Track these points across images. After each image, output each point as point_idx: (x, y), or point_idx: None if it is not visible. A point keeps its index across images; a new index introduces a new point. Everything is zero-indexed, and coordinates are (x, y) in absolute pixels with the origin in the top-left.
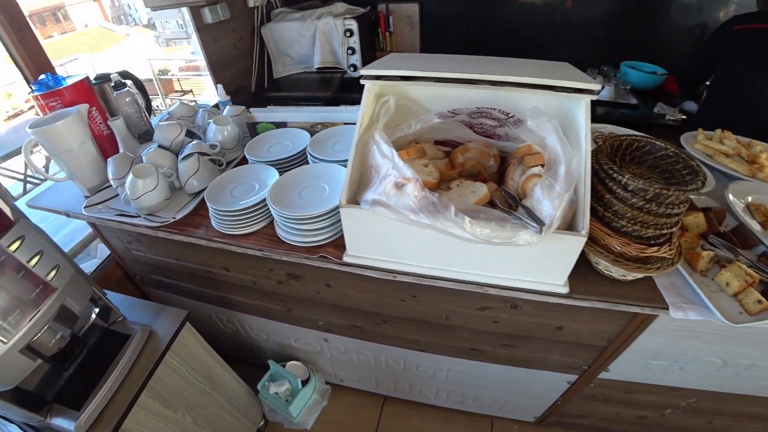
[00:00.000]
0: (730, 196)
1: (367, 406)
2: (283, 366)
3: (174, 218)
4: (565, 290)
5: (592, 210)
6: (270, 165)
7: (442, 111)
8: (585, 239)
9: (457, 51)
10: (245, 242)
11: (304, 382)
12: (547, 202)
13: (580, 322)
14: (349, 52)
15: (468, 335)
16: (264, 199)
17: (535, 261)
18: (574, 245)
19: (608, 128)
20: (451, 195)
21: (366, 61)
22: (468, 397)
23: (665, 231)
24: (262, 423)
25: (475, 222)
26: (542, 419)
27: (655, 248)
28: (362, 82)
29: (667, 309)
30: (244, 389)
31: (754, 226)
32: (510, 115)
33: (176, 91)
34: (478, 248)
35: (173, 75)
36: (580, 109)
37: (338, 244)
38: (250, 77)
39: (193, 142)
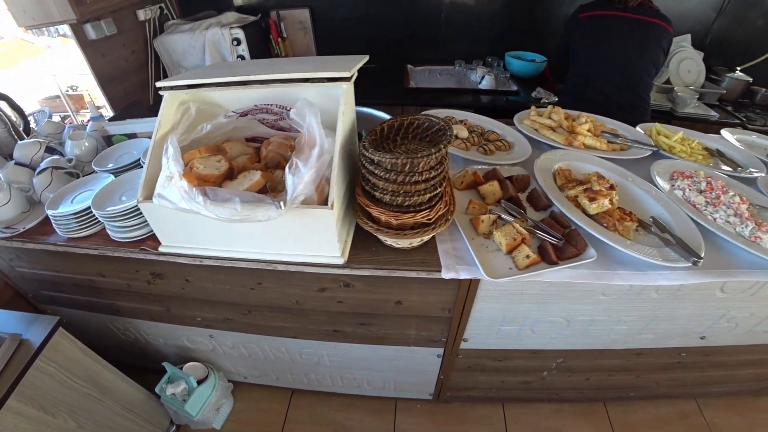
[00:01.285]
0: (536, 163)
1: (275, 401)
2: (181, 368)
3: (24, 228)
4: (341, 261)
5: (365, 188)
6: (111, 173)
7: (228, 112)
8: (331, 211)
9: (353, 51)
10: (84, 243)
11: (201, 381)
12: (291, 182)
13: (414, 294)
14: (240, 59)
15: (324, 317)
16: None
17: (306, 236)
18: (326, 218)
19: (473, 116)
20: (233, 184)
21: None
22: (362, 380)
23: (419, 197)
24: (173, 428)
25: (215, 204)
26: (437, 395)
27: (410, 215)
28: (160, 93)
29: (440, 271)
30: (142, 394)
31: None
32: (287, 107)
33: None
34: (255, 229)
35: (85, 90)
36: (340, 95)
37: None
38: (148, 90)
39: (51, 158)
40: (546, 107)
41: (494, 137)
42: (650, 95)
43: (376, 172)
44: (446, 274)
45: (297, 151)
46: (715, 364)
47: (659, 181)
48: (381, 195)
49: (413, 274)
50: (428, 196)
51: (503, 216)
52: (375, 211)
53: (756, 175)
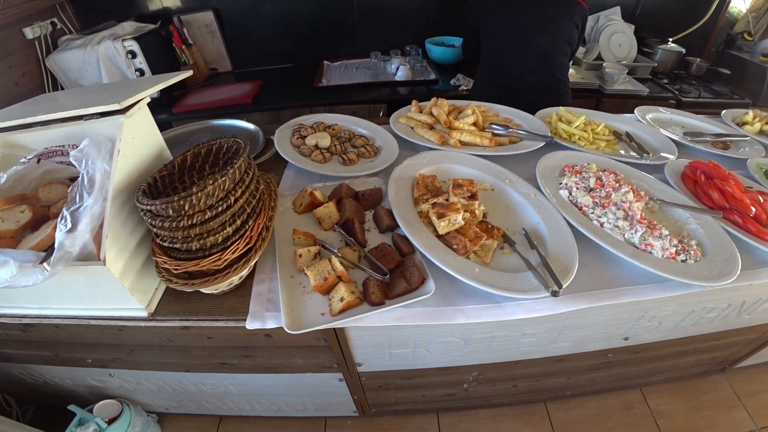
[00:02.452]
0: (395, 171)
1: (204, 428)
2: (92, 408)
3: None
4: (144, 314)
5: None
6: None
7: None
8: (105, 267)
9: (267, 51)
10: None
11: (115, 419)
12: (58, 238)
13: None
14: (138, 73)
15: (203, 352)
16: None
17: (99, 291)
18: (105, 274)
19: (346, 118)
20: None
21: None
22: (280, 405)
23: (199, 241)
24: None
25: None
26: (362, 412)
27: (194, 262)
28: None
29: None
30: None
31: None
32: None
33: None
34: (54, 285)
35: None
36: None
37: None
38: None
39: None
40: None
41: (361, 142)
42: (568, 75)
43: (149, 220)
44: (251, 324)
45: (69, 201)
46: (649, 359)
47: (542, 180)
48: (161, 242)
49: (221, 324)
50: (222, 236)
51: (327, 247)
52: (159, 260)
53: (664, 160)
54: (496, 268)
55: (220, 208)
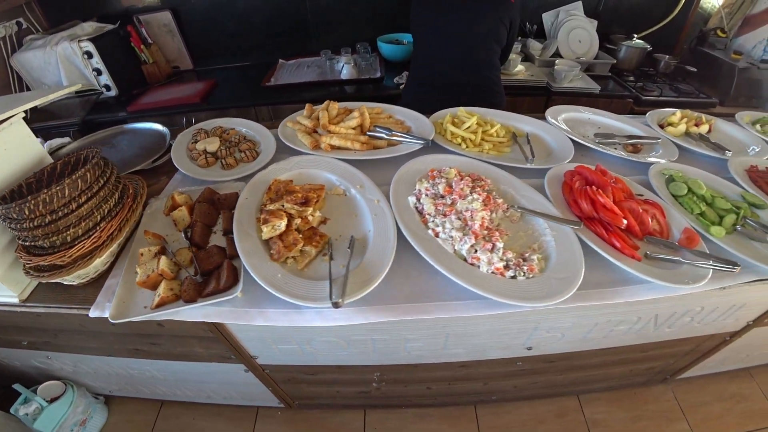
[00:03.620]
0: (257, 176)
1: (146, 412)
2: (36, 388)
3: None
4: (16, 300)
5: None
6: None
7: None
8: None
9: (225, 50)
10: None
11: (56, 399)
12: None
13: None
14: (96, 73)
15: (114, 338)
16: None
17: None
18: None
19: (245, 123)
20: None
21: (120, 78)
22: (205, 392)
23: (46, 239)
24: None
25: None
26: (289, 404)
27: (43, 257)
28: None
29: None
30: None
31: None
32: None
33: None
34: None
35: None
36: None
37: None
38: None
39: None
40: None
41: (245, 147)
42: (498, 74)
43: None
44: (93, 313)
45: None
46: (571, 368)
47: (396, 186)
48: (19, 240)
49: (74, 311)
50: (71, 236)
51: (165, 247)
52: (18, 254)
53: (551, 165)
54: (306, 276)
55: (61, 213)
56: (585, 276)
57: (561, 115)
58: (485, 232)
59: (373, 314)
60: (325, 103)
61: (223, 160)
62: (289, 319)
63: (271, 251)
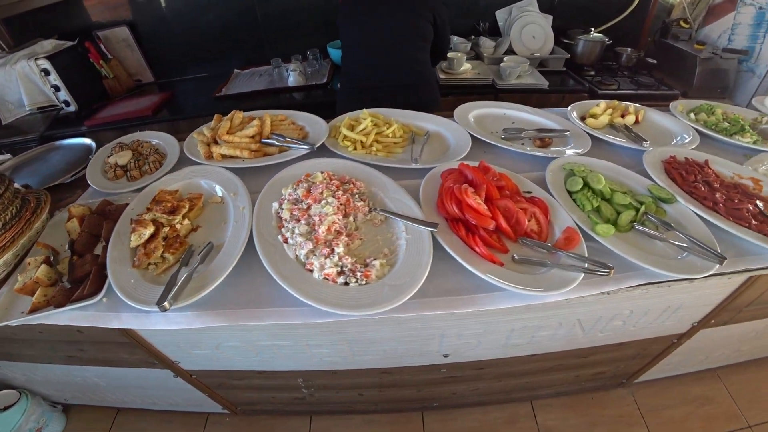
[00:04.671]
0: (151, 186)
1: (101, 420)
2: None
3: None
4: None
5: None
6: None
7: None
8: None
9: (185, 62)
10: None
11: (8, 407)
12: None
13: None
14: (54, 89)
15: (45, 345)
16: None
17: None
18: None
19: (158, 135)
20: None
21: (80, 94)
22: (154, 398)
23: None
24: None
25: None
26: (232, 410)
27: None
28: None
29: None
30: None
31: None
32: None
33: None
34: None
35: None
36: None
37: None
38: None
39: None
40: None
41: (154, 159)
42: (429, 71)
43: None
44: None
45: None
46: (505, 374)
47: (265, 191)
48: None
49: None
50: None
51: (50, 256)
52: None
53: (437, 164)
54: (160, 282)
55: None
56: (441, 282)
57: (473, 112)
58: (331, 236)
59: (209, 319)
60: (231, 113)
61: (128, 173)
62: (138, 322)
63: (134, 258)
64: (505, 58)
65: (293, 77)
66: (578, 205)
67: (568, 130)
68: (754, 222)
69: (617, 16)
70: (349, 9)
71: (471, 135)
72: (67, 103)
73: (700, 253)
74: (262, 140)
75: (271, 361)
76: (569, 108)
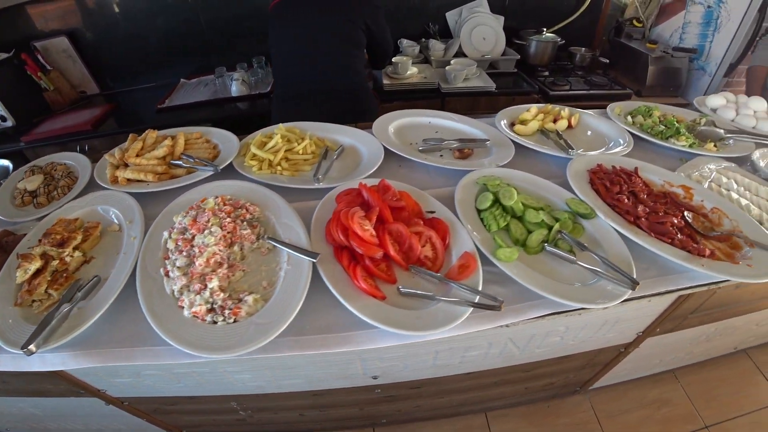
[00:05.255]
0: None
1: None
2: None
3: None
4: None
5: None
6: None
7: None
8: None
9: (130, 72)
10: None
11: None
12: None
13: None
14: None
15: None
16: None
17: None
18: None
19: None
20: None
21: (18, 108)
22: (97, 425)
23: None
24: None
25: None
26: None
27: None
28: None
29: None
30: None
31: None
32: None
33: None
34: None
35: None
36: None
37: None
38: None
39: None
40: None
41: (65, 183)
42: (364, 79)
43: None
44: None
45: None
46: (445, 392)
47: (158, 220)
48: None
49: None
50: None
51: None
52: None
53: (342, 182)
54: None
55: None
56: (319, 317)
57: (396, 122)
58: (209, 269)
59: (83, 359)
60: (145, 132)
61: (35, 200)
62: (15, 364)
63: (18, 294)
64: (452, 61)
65: (236, 87)
66: (485, 225)
67: (488, 140)
68: (679, 236)
69: (570, 16)
70: (278, 16)
71: (386, 148)
72: (3, 119)
73: (612, 277)
74: (171, 162)
75: (196, 387)
76: (498, 114)
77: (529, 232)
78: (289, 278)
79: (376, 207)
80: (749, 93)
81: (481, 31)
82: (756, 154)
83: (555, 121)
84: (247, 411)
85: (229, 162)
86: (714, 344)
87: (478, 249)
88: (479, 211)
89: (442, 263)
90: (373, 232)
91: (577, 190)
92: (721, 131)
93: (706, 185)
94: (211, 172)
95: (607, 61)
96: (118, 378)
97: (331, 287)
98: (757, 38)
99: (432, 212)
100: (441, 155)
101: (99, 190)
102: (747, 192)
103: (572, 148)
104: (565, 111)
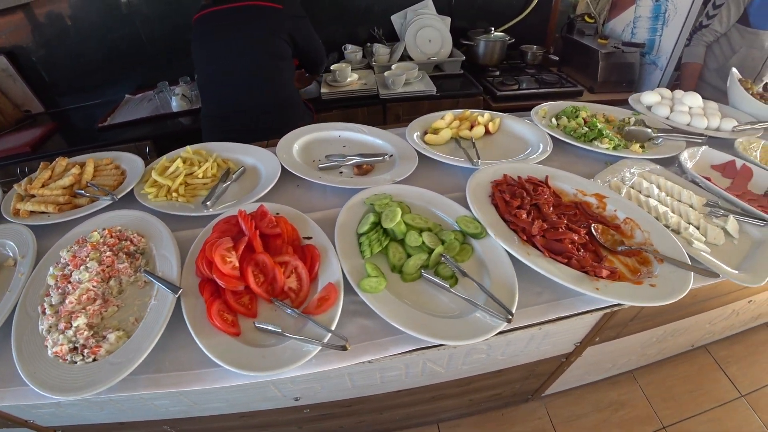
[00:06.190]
0: None
1: None
2: None
3: None
4: None
5: None
6: None
7: None
8: None
9: (77, 89)
10: None
11: None
12: None
13: None
14: None
15: None
16: None
17: None
18: None
19: None
20: None
21: None
22: None
23: None
24: None
25: None
26: None
27: None
28: None
29: None
30: None
31: None
32: None
33: None
34: None
35: None
36: None
37: None
38: None
39: None
40: None
41: None
42: (292, 91)
43: None
44: None
45: None
46: (378, 408)
47: (49, 255)
48: None
49: None
50: None
51: None
52: None
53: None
54: None
55: None
56: (180, 354)
57: (305, 137)
58: (80, 306)
59: None
60: (56, 160)
61: None
62: None
63: None
64: (393, 66)
65: (176, 102)
66: (361, 251)
67: (389, 154)
68: (581, 253)
69: (520, 14)
70: (198, 31)
71: (284, 167)
72: None
73: (489, 307)
74: (77, 191)
75: (119, 414)
76: (411, 124)
77: (410, 256)
78: (152, 314)
79: (245, 236)
80: (684, 88)
81: (427, 33)
82: (684, 155)
83: (472, 127)
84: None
85: (129, 190)
86: (667, 345)
87: (345, 278)
88: (359, 235)
89: (306, 295)
90: (236, 264)
91: (473, 206)
92: (650, 131)
93: (624, 191)
94: (109, 202)
95: (557, 58)
96: (40, 409)
97: (188, 323)
98: (692, 33)
99: (309, 238)
100: (341, 172)
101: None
102: (668, 197)
103: (479, 158)
104: (484, 116)
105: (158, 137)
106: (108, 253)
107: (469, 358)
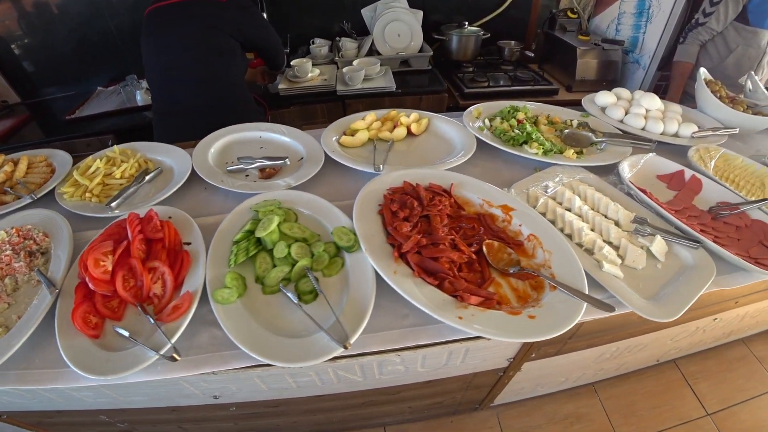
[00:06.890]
0: None
1: None
2: None
3: None
4: None
5: None
6: None
7: None
8: None
9: (50, 80)
10: None
11: None
12: None
13: None
14: None
15: None
16: None
17: None
18: None
19: None
20: None
21: None
22: None
23: None
24: None
25: None
26: None
27: None
28: None
29: None
30: None
31: None
32: None
33: None
34: None
35: None
36: None
37: None
38: None
39: None
40: None
41: None
42: (242, 89)
43: None
44: None
45: None
46: (311, 411)
47: None
48: None
49: None
50: None
51: None
52: None
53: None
54: None
55: None
56: (53, 351)
57: (228, 136)
58: None
59: None
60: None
61: None
62: None
63: None
64: (354, 62)
65: (140, 96)
66: (230, 260)
67: (287, 158)
68: (458, 274)
69: (497, 8)
70: (146, 26)
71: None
72: None
73: (332, 331)
74: (5, 189)
75: (49, 402)
76: (331, 125)
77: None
78: (30, 311)
79: (125, 240)
80: (672, 89)
81: (396, 27)
82: (624, 163)
83: (395, 128)
84: (124, 423)
85: (50, 189)
86: (626, 360)
87: (205, 287)
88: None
89: (168, 301)
90: (109, 268)
91: (355, 216)
92: (592, 135)
93: (540, 202)
94: (29, 201)
95: (532, 54)
96: None
97: (56, 322)
98: (687, 31)
99: (188, 243)
100: (247, 175)
101: None
102: (590, 211)
103: (384, 163)
104: (410, 116)
105: (121, 131)
106: (8, 252)
107: (385, 369)
